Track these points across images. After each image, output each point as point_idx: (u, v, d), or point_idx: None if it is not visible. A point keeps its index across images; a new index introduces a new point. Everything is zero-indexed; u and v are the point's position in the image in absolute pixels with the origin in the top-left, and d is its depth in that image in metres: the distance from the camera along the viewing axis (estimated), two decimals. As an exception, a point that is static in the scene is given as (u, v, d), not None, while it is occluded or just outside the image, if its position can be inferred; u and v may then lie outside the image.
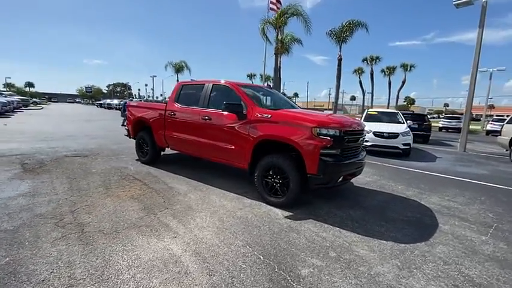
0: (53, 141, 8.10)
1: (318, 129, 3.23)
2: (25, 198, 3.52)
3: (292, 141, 3.36)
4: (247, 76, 41.19)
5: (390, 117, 9.41)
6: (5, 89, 53.18)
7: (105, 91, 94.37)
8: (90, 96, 76.29)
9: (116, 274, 2.07)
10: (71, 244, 2.47)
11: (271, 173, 3.61)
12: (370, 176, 5.63)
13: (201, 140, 4.49)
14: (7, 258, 2.20)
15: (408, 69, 32.92)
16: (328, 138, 3.21)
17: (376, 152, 8.22)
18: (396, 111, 9.95)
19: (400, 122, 9.04)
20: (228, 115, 4.04)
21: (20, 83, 77.53)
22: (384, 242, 2.79)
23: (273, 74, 15.76)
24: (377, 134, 8.03)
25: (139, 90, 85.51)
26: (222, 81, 4.47)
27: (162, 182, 4.49)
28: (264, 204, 3.68)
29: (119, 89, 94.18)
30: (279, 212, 3.44)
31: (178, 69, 32.89)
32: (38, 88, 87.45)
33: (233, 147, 4.02)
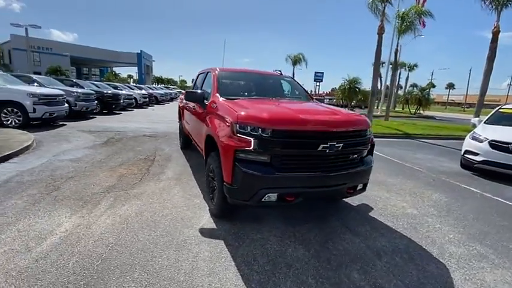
0: (155, 124, 10.38)
1: (237, 125, 2.39)
2: (68, 162, 4.74)
3: (216, 138, 2.67)
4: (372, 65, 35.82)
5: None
6: (177, 85, 73.24)
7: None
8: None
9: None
10: (27, 201, 3.13)
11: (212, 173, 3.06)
12: (422, 207, 3.62)
13: (190, 129, 4.42)
14: (-16, 200, 3.07)
15: None
16: (250, 138, 2.32)
17: (494, 173, 5.14)
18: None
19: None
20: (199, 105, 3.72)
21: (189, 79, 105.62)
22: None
23: (374, 59, 12.84)
24: (496, 145, 4.96)
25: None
26: (213, 68, 4.14)
27: (164, 166, 4.82)
28: (207, 209, 3.19)
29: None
30: (204, 222, 2.89)
31: (295, 61, 33.26)
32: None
33: (199, 140, 3.70)
